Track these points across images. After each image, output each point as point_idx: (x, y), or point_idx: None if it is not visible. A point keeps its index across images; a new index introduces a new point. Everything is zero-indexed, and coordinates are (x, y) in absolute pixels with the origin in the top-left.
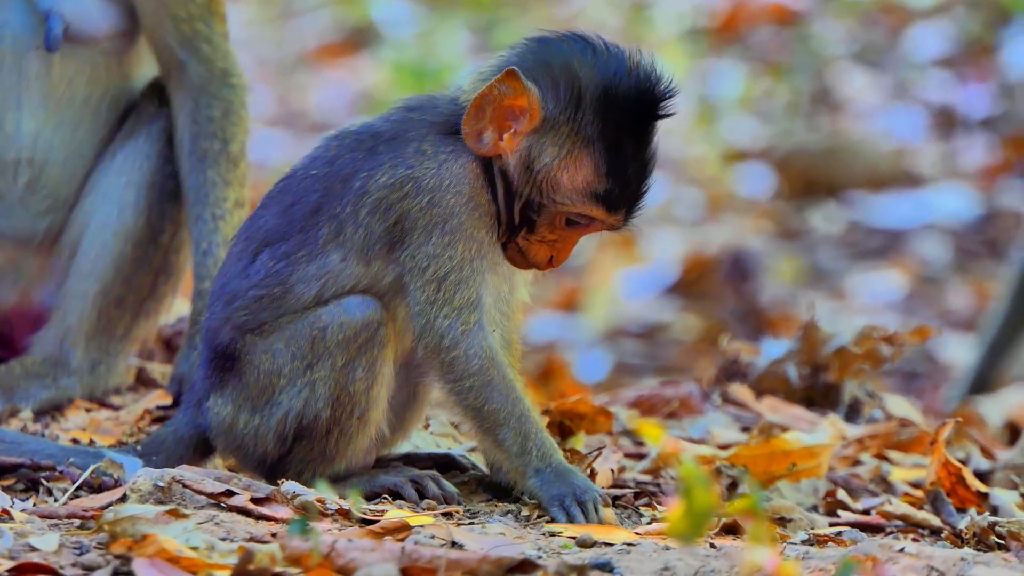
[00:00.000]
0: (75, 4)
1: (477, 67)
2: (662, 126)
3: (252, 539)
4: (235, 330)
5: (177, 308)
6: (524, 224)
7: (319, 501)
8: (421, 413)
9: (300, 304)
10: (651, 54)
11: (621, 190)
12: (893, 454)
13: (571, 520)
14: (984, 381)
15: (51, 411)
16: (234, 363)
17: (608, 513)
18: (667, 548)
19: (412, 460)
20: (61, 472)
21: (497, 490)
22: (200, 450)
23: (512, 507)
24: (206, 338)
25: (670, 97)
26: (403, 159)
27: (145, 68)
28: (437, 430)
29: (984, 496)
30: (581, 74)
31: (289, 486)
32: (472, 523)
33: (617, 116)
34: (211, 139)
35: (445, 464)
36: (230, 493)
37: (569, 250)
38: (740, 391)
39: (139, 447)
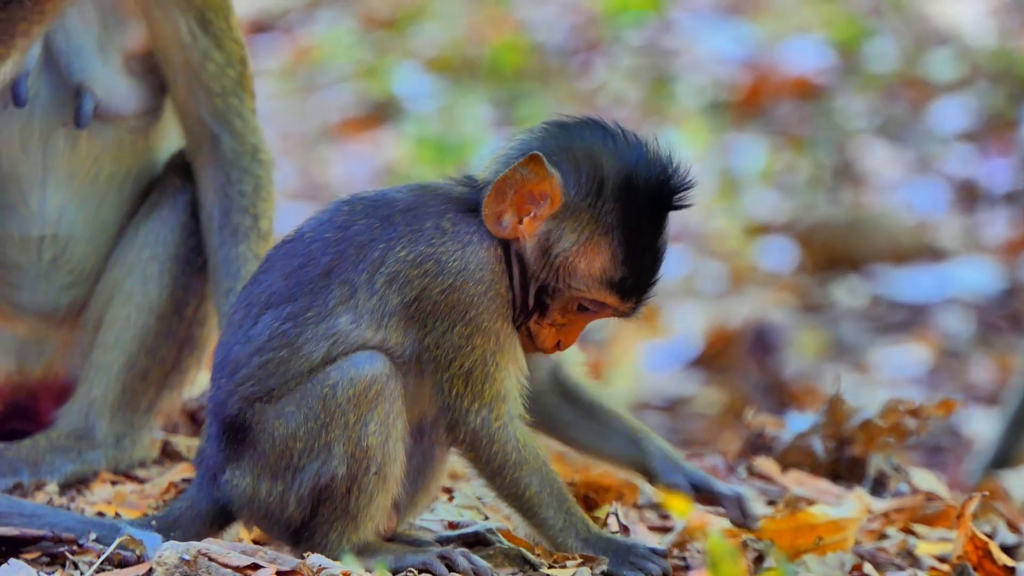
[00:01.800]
0: (106, 82)
1: (495, 149)
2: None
3: None
4: (243, 401)
5: (202, 381)
6: (537, 308)
7: (345, 575)
8: (440, 475)
9: (308, 365)
10: (668, 144)
11: (635, 278)
12: (919, 528)
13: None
14: (1006, 455)
15: (76, 484)
16: (246, 434)
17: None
18: None
19: (441, 540)
20: (82, 546)
21: (523, 563)
22: (218, 523)
23: None
24: (213, 412)
25: (688, 188)
26: (423, 234)
27: (168, 142)
28: (461, 502)
29: (1011, 571)
30: (603, 162)
31: (315, 559)
32: None
33: (636, 205)
34: (243, 214)
35: (474, 540)
36: (256, 567)
37: (576, 335)
38: (766, 464)
39: (154, 522)
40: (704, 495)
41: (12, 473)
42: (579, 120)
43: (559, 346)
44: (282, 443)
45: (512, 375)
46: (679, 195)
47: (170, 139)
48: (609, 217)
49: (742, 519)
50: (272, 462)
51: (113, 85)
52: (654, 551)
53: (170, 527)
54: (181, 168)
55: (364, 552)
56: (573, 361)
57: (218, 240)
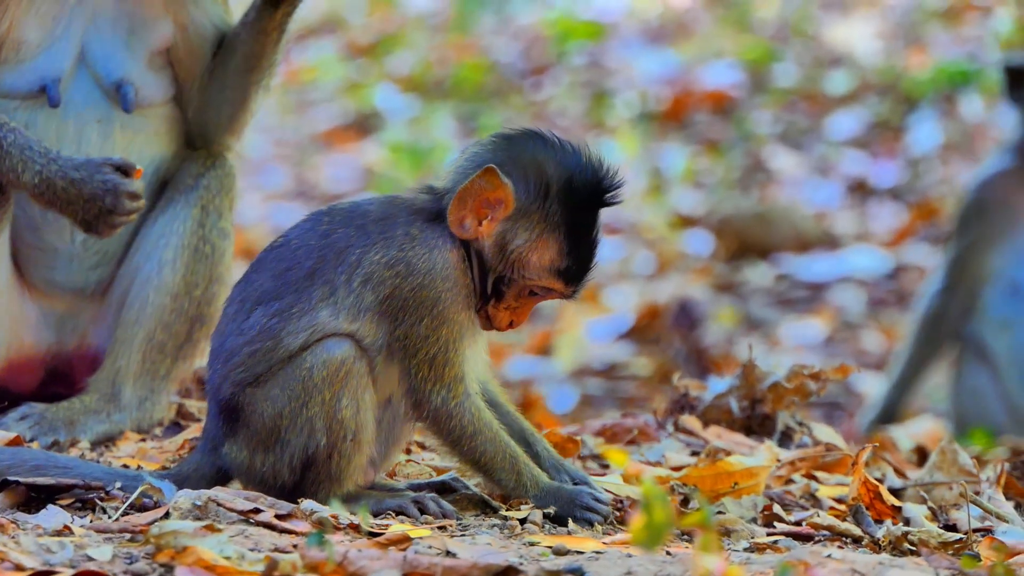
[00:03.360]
0: (139, 75)
1: (452, 160)
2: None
3: (276, 549)
4: (235, 385)
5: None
6: (493, 295)
7: (333, 517)
8: (407, 434)
9: (288, 353)
10: (602, 150)
11: (578, 267)
12: (820, 474)
13: (592, 524)
14: (892, 412)
15: (105, 442)
16: (240, 414)
17: (605, 497)
18: (630, 555)
19: (414, 487)
20: (109, 493)
21: (485, 507)
22: (221, 483)
23: (498, 521)
24: (211, 394)
25: (619, 188)
26: (394, 240)
27: (177, 138)
28: (427, 459)
29: (898, 509)
30: (547, 169)
31: (308, 504)
32: (464, 535)
33: (577, 204)
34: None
35: (441, 487)
36: (257, 511)
37: (526, 315)
38: (690, 421)
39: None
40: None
41: (52, 432)
42: (524, 132)
43: (511, 325)
44: (271, 421)
45: (470, 359)
46: (611, 194)
47: (177, 135)
48: (555, 216)
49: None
50: (263, 437)
51: (145, 78)
52: (596, 499)
53: (182, 483)
54: (191, 168)
55: (348, 500)
56: (486, 363)
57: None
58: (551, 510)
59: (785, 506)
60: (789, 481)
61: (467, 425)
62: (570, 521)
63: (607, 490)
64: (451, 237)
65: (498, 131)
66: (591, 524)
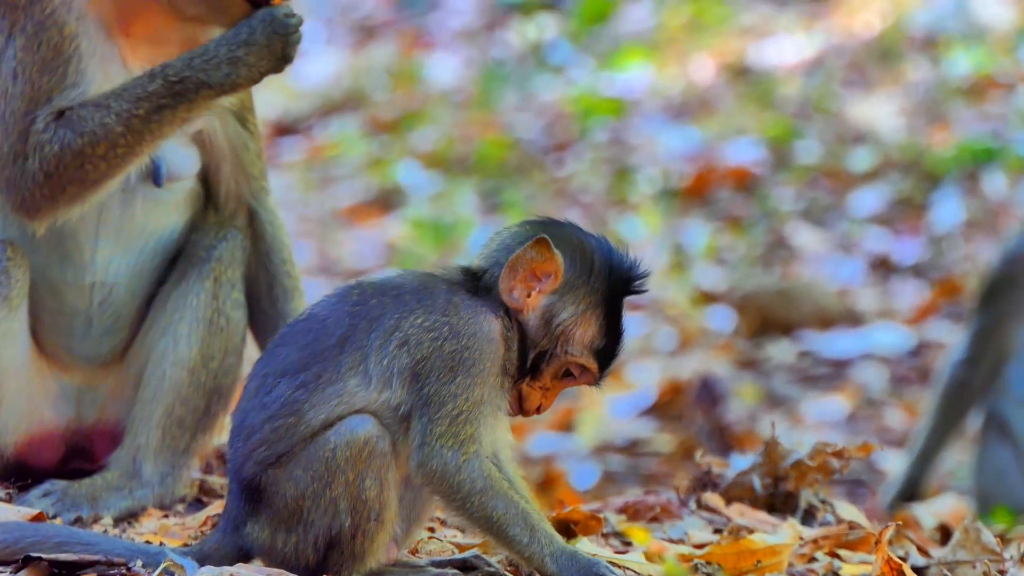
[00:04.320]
0: (170, 153)
1: (488, 241)
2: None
3: None
4: (257, 465)
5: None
6: (531, 371)
7: None
8: (429, 509)
9: (310, 431)
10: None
11: (611, 348)
12: (843, 552)
13: None
14: (912, 487)
15: (128, 517)
16: (262, 494)
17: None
18: None
19: (435, 564)
20: (131, 570)
21: None
22: (241, 561)
23: None
24: (232, 473)
25: (647, 277)
26: (435, 307)
27: (193, 208)
28: (449, 536)
29: None
30: (589, 248)
31: None
32: None
33: (614, 287)
34: (287, 278)
35: (463, 565)
36: None
37: (553, 400)
38: (712, 498)
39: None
40: None
41: (74, 508)
42: (554, 219)
43: (539, 410)
44: (293, 502)
45: (489, 427)
46: (642, 281)
47: (194, 206)
48: (598, 294)
49: None
50: (286, 518)
51: (175, 154)
52: (611, 570)
53: (204, 560)
54: (203, 240)
55: None
56: (507, 444)
57: (268, 300)
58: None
59: None
60: (812, 559)
61: (476, 480)
62: None
63: (630, 569)
64: (495, 310)
65: (530, 217)
66: None
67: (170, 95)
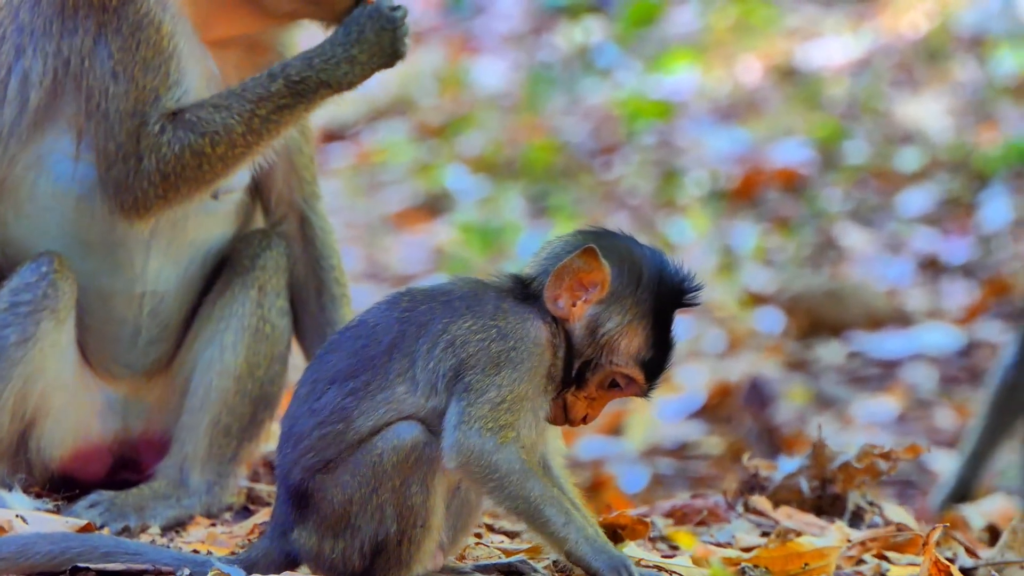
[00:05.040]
0: None
1: (538, 249)
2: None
3: None
4: (305, 471)
5: (276, 432)
6: (575, 381)
7: None
8: (476, 517)
9: (358, 437)
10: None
11: (659, 360)
12: (891, 554)
13: None
14: (965, 490)
15: (175, 527)
16: (309, 500)
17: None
18: None
19: (481, 570)
20: None
21: None
22: (289, 568)
23: None
24: (280, 479)
25: (700, 289)
26: (485, 312)
27: (240, 220)
28: (496, 542)
29: None
30: (639, 260)
31: None
32: None
33: (663, 299)
34: (336, 284)
35: (509, 570)
36: None
37: (600, 410)
38: (760, 501)
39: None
40: None
41: (121, 518)
42: (607, 230)
43: (585, 420)
44: (341, 508)
45: (530, 426)
46: (693, 294)
47: (243, 216)
48: (645, 305)
49: None
50: (333, 523)
51: None
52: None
53: (251, 568)
54: (247, 250)
55: None
56: (557, 451)
57: (317, 306)
58: (593, 563)
59: None
60: (860, 562)
61: (512, 462)
62: None
63: (677, 574)
64: (543, 316)
65: (580, 229)
66: None
67: (291, 95)
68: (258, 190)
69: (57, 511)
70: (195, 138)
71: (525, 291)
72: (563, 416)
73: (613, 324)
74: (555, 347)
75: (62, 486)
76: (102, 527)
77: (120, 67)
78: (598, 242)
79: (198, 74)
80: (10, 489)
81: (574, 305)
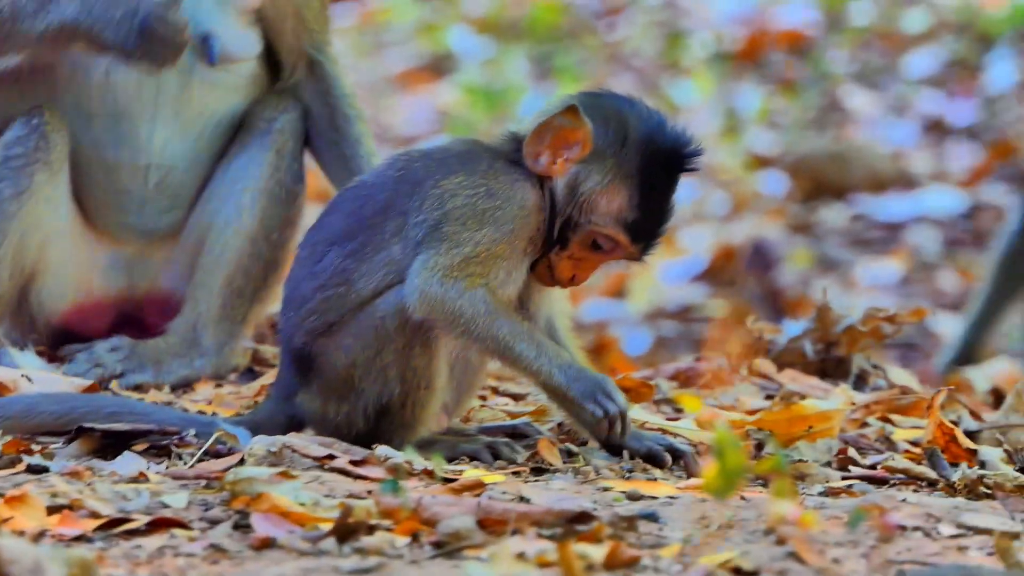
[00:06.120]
0: (226, 29)
1: (537, 106)
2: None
3: (351, 496)
4: (308, 335)
5: None
6: (558, 241)
7: (408, 463)
8: (480, 379)
9: (360, 300)
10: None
11: (645, 224)
12: (895, 417)
13: (606, 412)
14: (969, 353)
15: (184, 386)
16: (312, 363)
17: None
18: (704, 501)
19: (486, 431)
20: (184, 440)
21: (559, 452)
22: (294, 430)
23: (572, 467)
24: (283, 342)
25: (697, 155)
26: (477, 171)
27: (252, 89)
28: (501, 404)
29: (973, 452)
30: (628, 121)
31: (382, 450)
32: (538, 480)
33: (653, 160)
34: (349, 107)
35: (514, 432)
36: (332, 457)
37: (589, 273)
38: (764, 364)
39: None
40: None
41: (140, 369)
42: (612, 92)
43: (574, 280)
44: (344, 371)
45: (503, 282)
46: (689, 159)
47: (253, 87)
48: (629, 166)
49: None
50: (337, 387)
51: (231, 33)
52: (616, 390)
53: (257, 430)
54: (264, 113)
55: (422, 446)
56: (563, 313)
57: (332, 131)
58: (569, 391)
59: (860, 450)
60: (864, 424)
61: (478, 304)
62: (640, 462)
63: (682, 436)
64: (532, 178)
65: (589, 89)
66: (607, 413)
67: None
68: (269, 54)
69: (61, 361)
70: None
71: (519, 151)
72: (549, 276)
73: (593, 183)
74: (542, 210)
75: (63, 340)
76: (122, 374)
77: None
78: (586, 101)
79: None
80: (22, 349)
81: (554, 163)
